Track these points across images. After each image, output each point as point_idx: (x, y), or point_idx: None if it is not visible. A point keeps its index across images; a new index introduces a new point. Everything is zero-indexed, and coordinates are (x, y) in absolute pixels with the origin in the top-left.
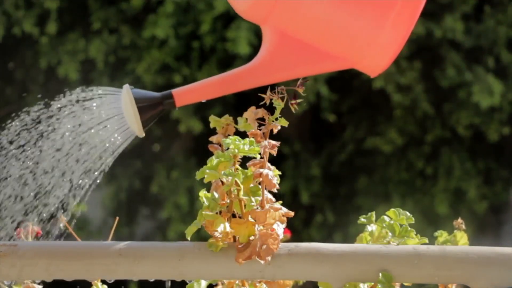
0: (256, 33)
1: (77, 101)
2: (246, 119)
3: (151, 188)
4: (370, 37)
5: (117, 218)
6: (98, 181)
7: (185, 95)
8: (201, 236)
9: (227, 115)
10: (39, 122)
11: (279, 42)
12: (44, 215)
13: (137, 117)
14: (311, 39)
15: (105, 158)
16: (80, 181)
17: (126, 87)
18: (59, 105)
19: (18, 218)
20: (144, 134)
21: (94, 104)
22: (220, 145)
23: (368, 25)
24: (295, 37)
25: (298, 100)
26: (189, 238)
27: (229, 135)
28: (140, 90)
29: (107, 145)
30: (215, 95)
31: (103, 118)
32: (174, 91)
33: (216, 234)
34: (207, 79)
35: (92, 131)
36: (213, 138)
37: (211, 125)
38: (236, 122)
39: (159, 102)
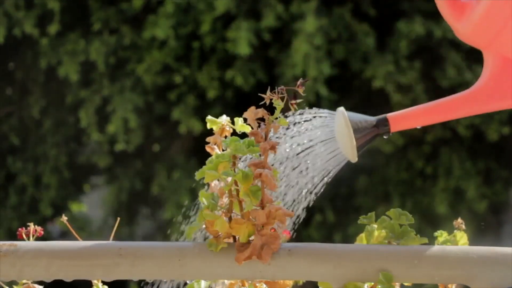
0: (256, 33)
1: (295, 123)
2: (243, 120)
3: (151, 188)
4: None
5: (119, 218)
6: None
7: (401, 121)
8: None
9: (223, 116)
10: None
11: (503, 68)
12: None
13: (352, 141)
14: None
15: (316, 182)
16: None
17: (342, 110)
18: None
19: None
20: (356, 159)
21: (309, 127)
22: (218, 146)
23: None
24: None
25: (298, 100)
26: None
27: (226, 136)
28: (354, 114)
29: (319, 167)
30: (432, 122)
31: (316, 141)
32: (390, 116)
33: (216, 234)
34: (423, 105)
35: (306, 153)
36: (210, 139)
37: (208, 126)
38: (234, 123)
39: (374, 126)
